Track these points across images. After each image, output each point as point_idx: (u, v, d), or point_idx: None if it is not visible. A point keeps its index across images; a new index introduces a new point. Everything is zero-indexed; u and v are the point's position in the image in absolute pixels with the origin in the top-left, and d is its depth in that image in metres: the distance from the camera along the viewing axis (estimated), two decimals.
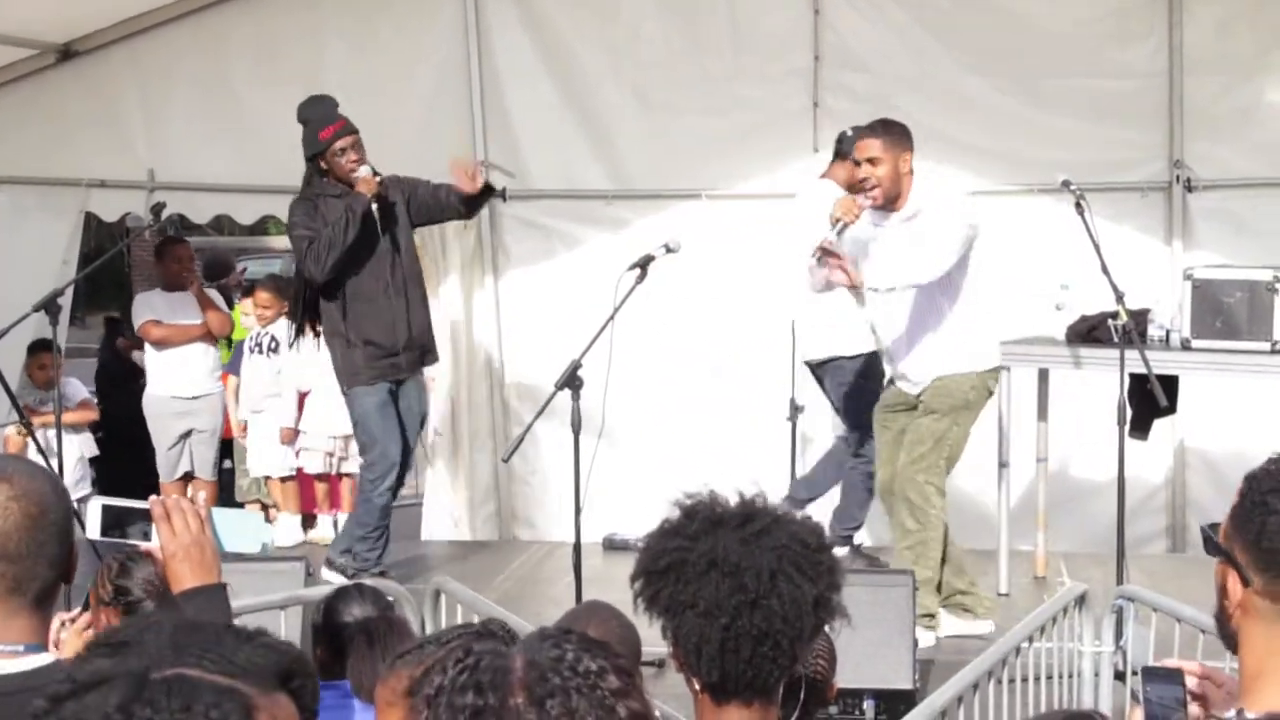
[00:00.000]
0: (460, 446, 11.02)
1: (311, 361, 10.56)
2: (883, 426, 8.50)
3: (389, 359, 9.14)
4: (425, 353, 9.40)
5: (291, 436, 10.82)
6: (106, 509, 3.36)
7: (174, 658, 1.98)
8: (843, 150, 9.19)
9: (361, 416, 9.23)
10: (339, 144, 9.03)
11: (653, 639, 2.77)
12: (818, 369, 9.52)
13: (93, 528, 3.38)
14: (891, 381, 8.53)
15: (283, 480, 10.97)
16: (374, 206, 8.96)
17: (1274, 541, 2.57)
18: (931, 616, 8.15)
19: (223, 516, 3.44)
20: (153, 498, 3.37)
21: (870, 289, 8.01)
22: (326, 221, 8.98)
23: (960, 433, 8.27)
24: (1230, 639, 2.68)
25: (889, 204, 8.10)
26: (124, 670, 1.95)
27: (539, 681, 2.13)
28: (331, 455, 10.86)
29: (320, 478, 10.95)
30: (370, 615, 4.79)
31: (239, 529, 3.51)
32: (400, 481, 9.42)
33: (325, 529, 10.86)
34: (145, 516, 3.33)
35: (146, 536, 3.32)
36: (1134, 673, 6.78)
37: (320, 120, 9.12)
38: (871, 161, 8.03)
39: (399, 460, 9.24)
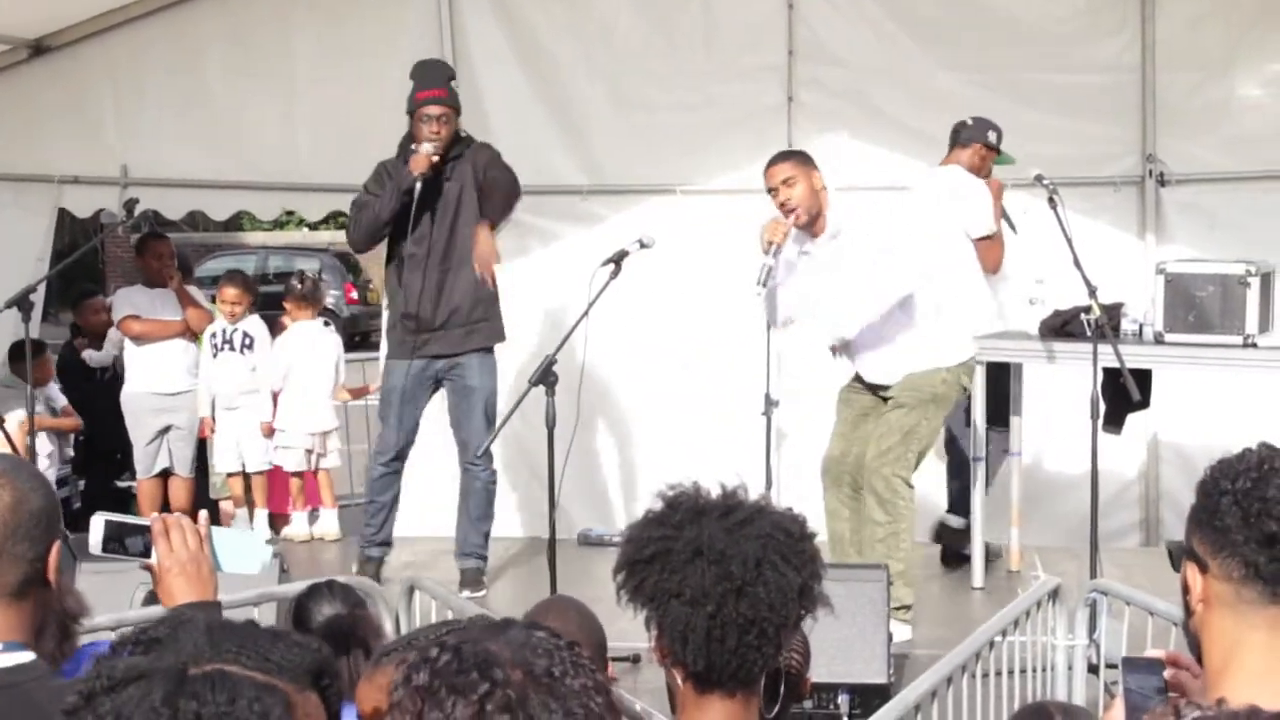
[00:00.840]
0: (435, 441, 10.98)
1: (282, 359, 10.57)
2: (844, 403, 8.54)
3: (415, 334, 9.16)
4: (468, 331, 9.30)
5: (271, 430, 10.80)
6: (108, 524, 3.37)
7: (211, 653, 1.99)
8: (962, 138, 9.47)
9: (383, 390, 9.42)
10: (426, 110, 8.98)
11: (628, 633, 2.76)
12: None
13: (94, 542, 3.39)
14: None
15: (252, 476, 10.92)
16: (417, 186, 8.84)
17: (1225, 519, 2.60)
18: (907, 609, 8.16)
19: (222, 536, 3.45)
20: (154, 514, 3.42)
21: (831, 346, 8.28)
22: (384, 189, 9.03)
23: (930, 426, 8.30)
24: (1194, 642, 2.70)
25: (810, 225, 8.14)
26: (163, 666, 1.97)
27: (532, 657, 2.15)
28: (311, 452, 10.84)
29: (297, 474, 10.92)
30: (339, 613, 4.78)
31: (239, 549, 3.51)
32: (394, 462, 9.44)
33: (300, 525, 10.85)
34: (146, 531, 3.35)
35: (146, 552, 3.33)
36: (1108, 665, 6.80)
37: (421, 83, 9.09)
38: (786, 183, 8.08)
39: (394, 441, 9.31)
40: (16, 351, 10.05)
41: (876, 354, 8.29)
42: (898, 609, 7.95)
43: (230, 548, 3.47)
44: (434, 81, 9.07)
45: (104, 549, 3.37)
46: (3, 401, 10.42)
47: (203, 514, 3.50)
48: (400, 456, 9.39)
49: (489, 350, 9.35)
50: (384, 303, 9.42)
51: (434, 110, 8.96)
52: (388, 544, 9.45)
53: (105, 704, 1.94)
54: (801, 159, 8.25)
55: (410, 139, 9.04)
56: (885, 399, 8.34)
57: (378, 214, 8.99)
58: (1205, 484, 2.67)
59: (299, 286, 11.10)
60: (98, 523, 3.38)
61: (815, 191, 8.10)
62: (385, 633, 5.02)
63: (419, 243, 9.06)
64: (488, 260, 9.06)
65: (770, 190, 8.17)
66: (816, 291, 8.16)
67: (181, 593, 3.30)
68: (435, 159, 8.88)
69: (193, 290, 11.12)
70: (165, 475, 10.78)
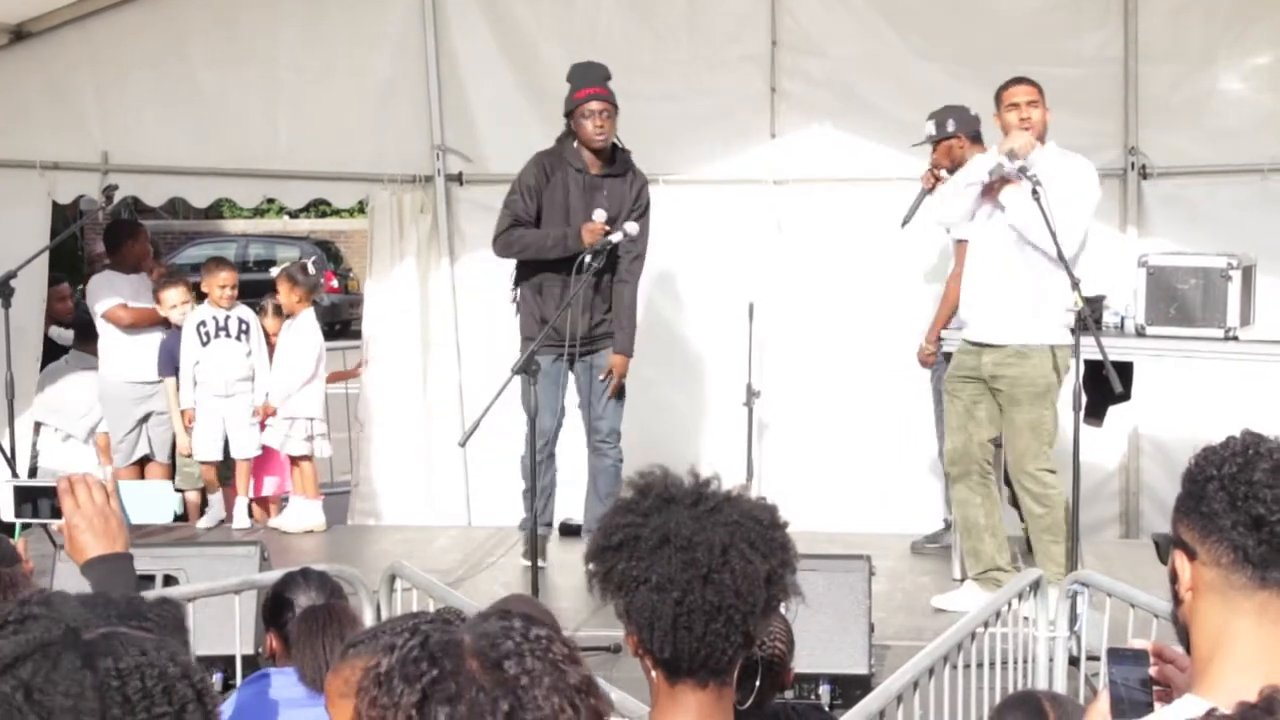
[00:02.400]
0: (415, 430, 10.99)
1: (312, 350, 10.53)
2: (953, 396, 8.66)
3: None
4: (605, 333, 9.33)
5: (272, 413, 10.68)
6: (17, 489, 3.37)
7: (95, 619, 1.98)
8: (964, 130, 9.53)
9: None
10: (589, 105, 9.03)
11: (612, 622, 2.76)
12: None
13: (5, 508, 3.38)
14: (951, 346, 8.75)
15: (238, 463, 10.85)
16: (587, 259, 8.78)
17: (1212, 505, 2.60)
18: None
19: (129, 488, 3.44)
20: (59, 475, 3.41)
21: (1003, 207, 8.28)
22: (538, 205, 9.11)
23: (1051, 414, 8.41)
24: (1183, 632, 2.69)
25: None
26: (55, 636, 1.95)
27: (491, 647, 2.15)
28: (310, 439, 10.72)
29: (297, 460, 10.79)
30: (314, 602, 4.76)
31: (147, 500, 3.51)
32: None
33: (288, 516, 10.72)
34: (54, 493, 3.36)
35: (58, 514, 3.33)
36: (1089, 657, 6.82)
37: (580, 81, 9.15)
38: (1031, 104, 8.39)
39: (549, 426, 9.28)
40: None
41: (995, 304, 8.41)
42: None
43: (138, 499, 3.47)
44: (592, 80, 9.13)
45: (17, 514, 3.37)
46: None
47: (108, 468, 3.52)
48: (552, 441, 9.36)
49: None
50: (515, 306, 9.34)
51: (598, 105, 9.03)
52: (549, 525, 9.51)
53: (8, 681, 1.93)
54: (1041, 90, 8.49)
55: (568, 137, 9.16)
56: (993, 389, 8.45)
57: (540, 253, 9.07)
58: (1191, 471, 2.68)
59: (304, 278, 10.90)
60: (6, 490, 3.38)
61: (1045, 122, 8.42)
62: (362, 622, 5.00)
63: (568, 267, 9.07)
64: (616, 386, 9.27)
65: (1012, 106, 8.40)
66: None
67: (90, 547, 3.29)
68: (606, 229, 8.89)
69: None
70: (144, 463, 10.72)
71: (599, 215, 8.93)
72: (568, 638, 2.26)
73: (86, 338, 10.95)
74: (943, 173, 9.21)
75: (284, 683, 4.52)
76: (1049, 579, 8.15)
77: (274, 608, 4.93)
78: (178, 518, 10.12)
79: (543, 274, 9.13)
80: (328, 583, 5.01)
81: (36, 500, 3.39)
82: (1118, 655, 2.89)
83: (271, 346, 10.83)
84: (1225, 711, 2.17)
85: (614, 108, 9.09)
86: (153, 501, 3.54)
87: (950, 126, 9.46)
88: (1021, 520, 8.79)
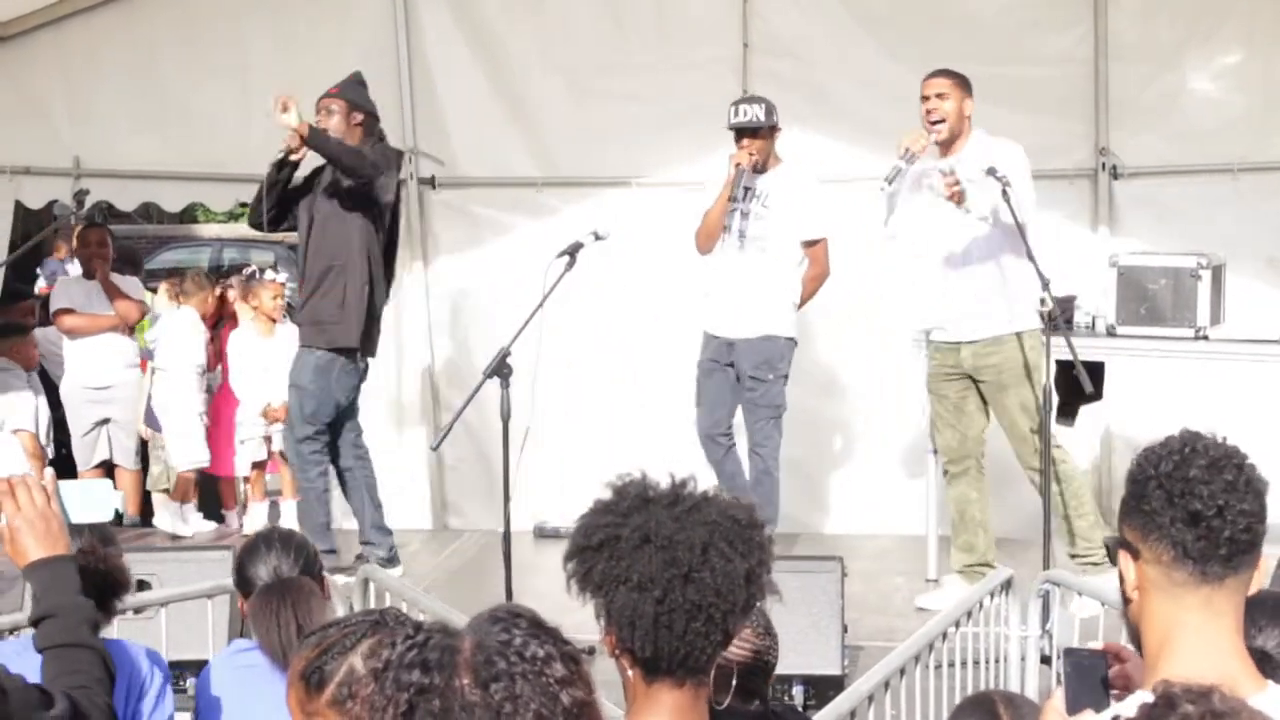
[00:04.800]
0: (389, 435, 10.98)
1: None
2: (940, 396, 8.70)
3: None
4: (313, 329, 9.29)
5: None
6: None
7: None
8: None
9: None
10: (320, 102, 9.21)
11: (585, 625, 2.77)
12: None
13: None
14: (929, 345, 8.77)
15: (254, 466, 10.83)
16: (288, 158, 9.01)
17: (1151, 503, 2.65)
18: (1093, 559, 8.37)
19: (69, 488, 3.44)
20: None
21: (969, 211, 8.17)
22: None
23: (1039, 390, 8.29)
24: (1134, 632, 2.73)
25: (947, 145, 8.39)
26: None
27: (485, 665, 2.16)
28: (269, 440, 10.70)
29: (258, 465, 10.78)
30: (277, 572, 4.64)
31: (88, 499, 3.50)
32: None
33: (259, 518, 10.69)
34: None
35: None
36: (1059, 656, 6.85)
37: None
38: (940, 96, 8.38)
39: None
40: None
41: (968, 299, 8.43)
42: (1097, 563, 8.24)
43: (79, 499, 3.46)
44: (341, 83, 9.37)
45: None
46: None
47: (48, 470, 3.49)
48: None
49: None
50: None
51: (324, 103, 9.25)
52: None
53: None
54: (961, 80, 8.47)
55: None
56: (977, 382, 8.52)
57: (260, 192, 9.21)
58: (1132, 472, 2.75)
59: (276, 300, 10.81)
60: None
61: (963, 115, 8.40)
62: (330, 594, 4.90)
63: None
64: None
65: (923, 98, 8.43)
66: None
67: (32, 550, 3.29)
68: (297, 137, 8.96)
69: (133, 283, 11.06)
70: (109, 468, 10.71)
71: (288, 118, 8.98)
72: (574, 652, 2.27)
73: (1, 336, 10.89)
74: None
75: (251, 660, 4.46)
76: (1080, 562, 8.34)
77: (239, 575, 4.80)
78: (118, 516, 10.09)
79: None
80: (300, 551, 4.75)
81: None
82: (1074, 655, 2.92)
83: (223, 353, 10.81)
84: (1130, 715, 2.20)
85: (341, 99, 9.26)
86: (93, 501, 3.53)
87: None
88: None
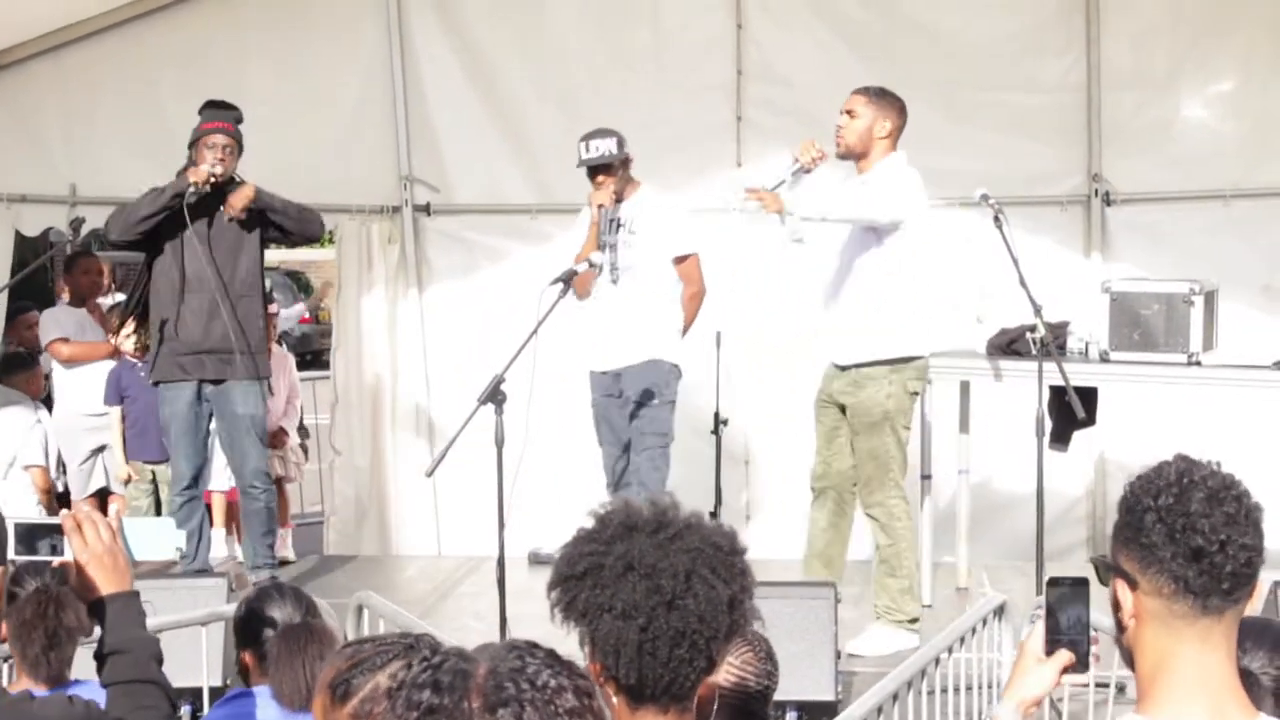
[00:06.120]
0: (384, 461, 11.00)
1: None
2: (819, 417, 8.56)
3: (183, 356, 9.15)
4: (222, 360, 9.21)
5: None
6: (18, 526, 3.36)
7: None
8: None
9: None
10: (212, 138, 9.07)
11: (573, 655, 2.78)
12: None
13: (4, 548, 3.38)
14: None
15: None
16: (190, 191, 8.88)
17: (1151, 536, 2.64)
18: (915, 620, 8.29)
19: (134, 526, 3.46)
20: (64, 511, 3.42)
21: (793, 214, 8.04)
22: None
23: (895, 440, 8.29)
24: (1128, 657, 2.73)
25: (853, 159, 8.28)
26: None
27: (496, 689, 2.17)
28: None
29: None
30: (291, 619, 4.70)
31: (151, 537, 3.53)
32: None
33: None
34: (55, 531, 3.36)
35: (56, 551, 3.34)
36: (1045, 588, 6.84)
37: (209, 116, 9.19)
38: (849, 113, 8.23)
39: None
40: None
41: (840, 326, 8.31)
42: (910, 621, 8.21)
43: (142, 536, 3.49)
44: (223, 117, 9.23)
45: (15, 552, 3.37)
46: None
47: (113, 506, 3.53)
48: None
49: None
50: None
51: (220, 139, 9.11)
52: None
53: None
54: (878, 97, 8.31)
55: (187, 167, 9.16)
56: (845, 411, 8.35)
57: (142, 211, 9.09)
58: (1127, 500, 2.71)
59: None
60: (7, 526, 3.39)
61: (870, 133, 8.22)
62: (338, 641, 4.96)
63: (185, 266, 9.17)
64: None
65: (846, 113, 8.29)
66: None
67: (101, 585, 3.33)
68: (213, 179, 8.97)
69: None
70: (102, 495, 10.68)
71: (205, 167, 8.99)
72: (588, 687, 2.29)
73: (11, 370, 10.87)
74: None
75: (258, 703, 4.50)
76: (878, 610, 8.26)
77: (249, 624, 4.85)
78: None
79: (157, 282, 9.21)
80: (303, 599, 4.91)
81: (35, 540, 3.40)
82: (1056, 584, 2.92)
83: None
84: None
85: (237, 143, 9.17)
86: (156, 538, 3.57)
87: None
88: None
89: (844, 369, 8.33)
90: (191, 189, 8.87)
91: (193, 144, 9.15)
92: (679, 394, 9.20)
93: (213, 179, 8.92)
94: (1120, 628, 2.72)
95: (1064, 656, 2.90)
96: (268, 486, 9.39)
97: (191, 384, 9.12)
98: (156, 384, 9.21)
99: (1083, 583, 2.92)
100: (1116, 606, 2.71)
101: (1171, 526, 2.62)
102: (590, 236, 8.98)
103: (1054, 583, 2.94)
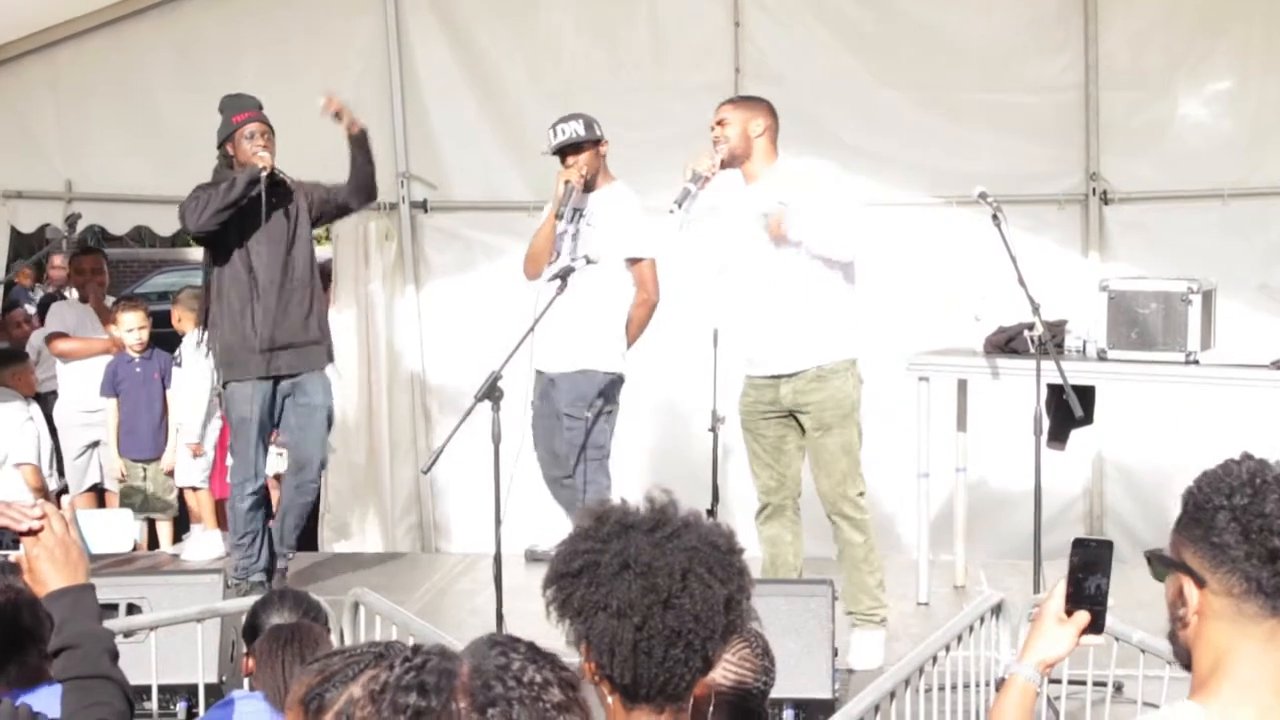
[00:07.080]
0: (381, 458, 10.99)
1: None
2: (756, 435, 8.25)
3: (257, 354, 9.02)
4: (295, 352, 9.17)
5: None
6: None
7: None
8: None
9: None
10: (248, 128, 8.98)
11: (570, 650, 2.77)
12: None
13: None
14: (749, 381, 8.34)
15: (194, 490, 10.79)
16: (263, 176, 8.78)
17: (1223, 536, 2.62)
18: (884, 620, 8.21)
19: (88, 518, 3.46)
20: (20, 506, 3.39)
21: (786, 236, 7.88)
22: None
23: (858, 431, 8.16)
24: (1184, 653, 2.71)
25: (736, 164, 8.10)
26: None
27: (483, 689, 2.17)
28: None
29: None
30: (284, 622, 4.73)
31: (106, 529, 3.51)
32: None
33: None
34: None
35: (16, 545, 3.31)
36: (1051, 680, 6.84)
37: (234, 109, 9.10)
38: (721, 123, 8.09)
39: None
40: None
41: (787, 333, 8.03)
42: (880, 621, 8.11)
43: (97, 529, 3.47)
44: (247, 106, 9.15)
45: None
46: None
47: (66, 499, 3.51)
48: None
49: None
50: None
51: (256, 127, 9.02)
52: None
53: None
54: (745, 104, 8.23)
55: (225, 165, 9.13)
56: (798, 418, 8.13)
57: (223, 198, 8.93)
58: (1195, 498, 2.69)
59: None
60: None
61: (746, 135, 8.05)
62: (329, 643, 4.96)
63: (269, 262, 9.12)
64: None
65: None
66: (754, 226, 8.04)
67: (52, 579, 3.28)
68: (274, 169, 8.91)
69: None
70: (100, 492, 10.67)
71: (265, 155, 8.91)
72: (571, 678, 2.28)
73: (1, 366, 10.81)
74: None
75: (251, 708, 4.50)
76: (859, 617, 8.09)
77: (251, 628, 4.89)
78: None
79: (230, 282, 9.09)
80: (303, 602, 4.95)
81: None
82: (1082, 546, 2.90)
83: None
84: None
85: (271, 127, 9.08)
86: (112, 531, 3.53)
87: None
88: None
89: (793, 375, 8.07)
90: (264, 173, 8.78)
91: (225, 140, 9.07)
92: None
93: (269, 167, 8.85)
94: (1181, 623, 2.70)
95: (1083, 618, 2.90)
96: (320, 479, 9.43)
97: (269, 381, 9.03)
98: (226, 385, 9.09)
99: (1107, 545, 2.91)
100: (1177, 604, 2.69)
101: (1247, 527, 2.61)
102: (549, 214, 8.92)
103: (1080, 543, 2.93)
